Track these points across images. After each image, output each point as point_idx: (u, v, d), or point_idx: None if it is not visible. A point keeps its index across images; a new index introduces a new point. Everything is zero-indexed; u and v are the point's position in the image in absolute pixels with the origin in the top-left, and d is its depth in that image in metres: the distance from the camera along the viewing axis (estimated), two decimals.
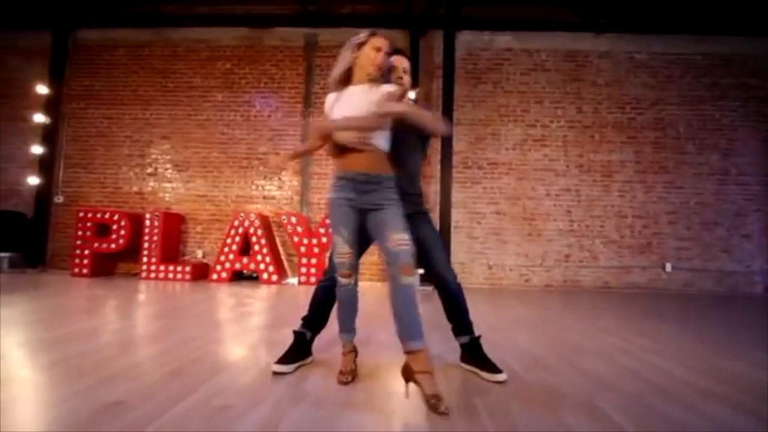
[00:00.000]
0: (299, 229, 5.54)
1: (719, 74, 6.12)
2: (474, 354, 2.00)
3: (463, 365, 2.04)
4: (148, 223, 5.60)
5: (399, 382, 1.73)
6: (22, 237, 5.90)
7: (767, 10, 5.76)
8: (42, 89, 6.18)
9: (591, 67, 6.21)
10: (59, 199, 6.22)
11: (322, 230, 5.51)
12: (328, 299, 2.06)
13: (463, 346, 2.05)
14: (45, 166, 6.16)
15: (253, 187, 6.20)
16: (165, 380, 1.77)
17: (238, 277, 5.67)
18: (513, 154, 6.12)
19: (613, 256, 5.88)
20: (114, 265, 5.96)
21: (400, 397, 1.66)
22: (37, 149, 6.15)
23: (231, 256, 5.49)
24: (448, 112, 5.81)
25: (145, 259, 5.54)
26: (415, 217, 2.01)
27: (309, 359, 2.05)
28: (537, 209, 6.02)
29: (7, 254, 5.75)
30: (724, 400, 1.71)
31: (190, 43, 6.38)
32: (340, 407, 1.57)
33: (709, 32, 6.08)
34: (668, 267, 5.82)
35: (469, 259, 5.96)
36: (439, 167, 5.79)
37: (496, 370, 1.90)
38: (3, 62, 6.51)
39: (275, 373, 1.87)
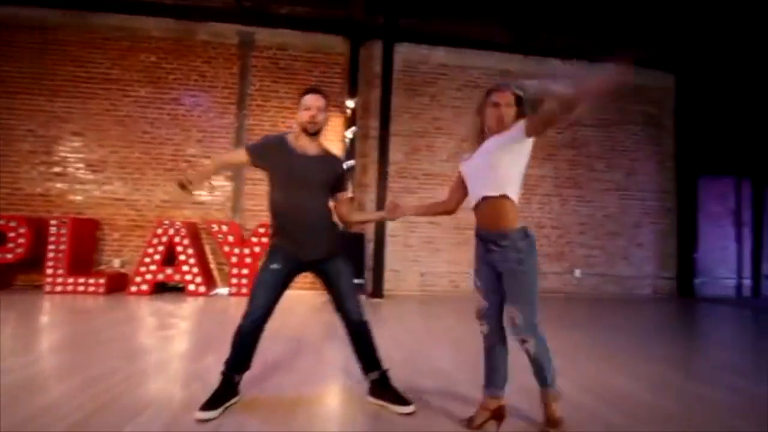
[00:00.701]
0: (230, 238, 5.34)
1: (626, 101, 6.88)
2: (384, 387, 2.07)
3: (371, 399, 2.07)
4: (53, 230, 5.05)
5: (309, 423, 1.77)
6: None
7: (664, 47, 6.60)
8: None
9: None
10: None
11: (254, 239, 5.35)
12: (252, 341, 2.03)
13: (372, 381, 2.09)
14: None
15: (180, 191, 5.81)
16: (94, 416, 1.65)
17: (160, 288, 5.32)
18: (446, 165, 6.39)
19: None
20: (12, 276, 5.30)
21: None
22: None
23: (153, 267, 5.13)
24: (385, 122, 5.91)
25: (50, 271, 4.99)
26: (329, 259, 2.08)
27: (235, 399, 2.00)
28: (466, 219, 6.33)
29: None
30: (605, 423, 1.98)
31: (108, 31, 5.80)
32: None
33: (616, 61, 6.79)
34: (577, 272, 6.49)
35: (403, 267, 6.15)
36: (375, 176, 5.89)
37: (404, 402, 2.01)
38: None
39: (200, 421, 1.81)
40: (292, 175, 2.01)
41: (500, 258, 1.78)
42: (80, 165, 5.68)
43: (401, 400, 2.02)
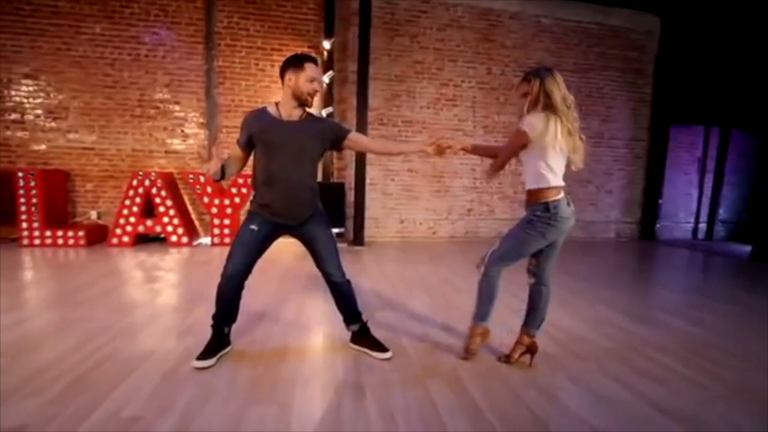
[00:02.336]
0: (209, 189, 5.29)
1: (607, 45, 6.76)
2: (364, 336, 2.32)
3: (353, 346, 2.33)
4: (22, 182, 4.87)
5: (295, 369, 2.00)
6: None
7: None
8: None
9: (502, 27, 6.41)
10: None
11: (234, 189, 5.33)
12: (233, 297, 2.16)
13: (353, 332, 2.33)
14: None
15: (152, 140, 5.62)
16: (68, 393, 1.78)
17: (143, 239, 5.35)
18: (426, 112, 6.31)
19: (507, 209, 6.68)
20: None
21: (300, 388, 1.92)
22: None
23: (132, 219, 5.11)
24: (363, 64, 5.66)
25: (24, 225, 4.91)
26: (312, 218, 2.15)
27: (228, 348, 2.21)
28: (446, 167, 6.45)
29: None
30: (552, 361, 2.27)
31: None
32: (248, 401, 1.79)
33: (604, 2, 6.56)
34: None
35: (383, 215, 6.31)
36: (354, 123, 5.78)
37: (383, 348, 2.26)
38: None
39: (197, 369, 2.01)
40: (277, 144, 2.01)
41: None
42: (39, 111, 5.33)
43: (379, 347, 2.26)
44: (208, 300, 2.27)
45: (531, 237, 2.10)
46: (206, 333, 2.20)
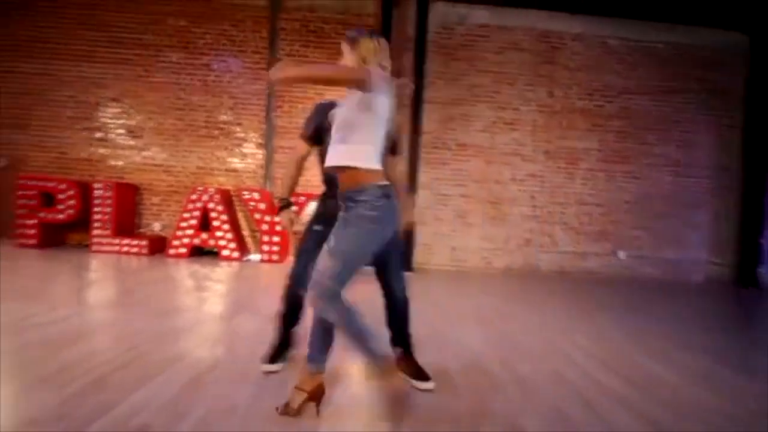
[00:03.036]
0: (261, 206, 5.38)
1: (682, 65, 6.18)
2: (408, 361, 2.04)
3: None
4: (98, 193, 5.27)
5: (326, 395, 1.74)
6: None
7: (737, 3, 5.78)
8: None
9: (565, 49, 6.11)
10: (2, 162, 5.71)
11: None
12: (298, 298, 2.02)
13: (398, 354, 2.06)
14: None
15: (214, 158, 5.91)
16: (87, 391, 1.69)
17: (198, 251, 5.51)
18: (482, 136, 6.07)
19: (571, 242, 6.09)
20: (64, 235, 5.63)
21: (327, 417, 1.65)
22: None
23: (189, 231, 5.30)
24: (418, 89, 5.63)
25: (96, 231, 5.27)
26: None
27: (294, 351, 2.12)
28: (502, 193, 6.08)
29: None
30: (638, 412, 1.81)
31: None
32: (267, 423, 1.56)
33: (676, 21, 6.05)
34: (621, 254, 6.10)
35: (433, 241, 6.02)
36: (407, 146, 5.69)
37: (425, 378, 1.97)
38: None
39: (266, 373, 1.95)
40: None
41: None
42: (120, 131, 5.84)
43: (422, 376, 1.98)
44: (251, 312, 2.16)
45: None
46: (240, 344, 2.06)
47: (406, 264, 5.47)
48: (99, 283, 3.87)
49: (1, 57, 5.72)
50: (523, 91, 6.10)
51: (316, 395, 1.63)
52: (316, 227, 2.00)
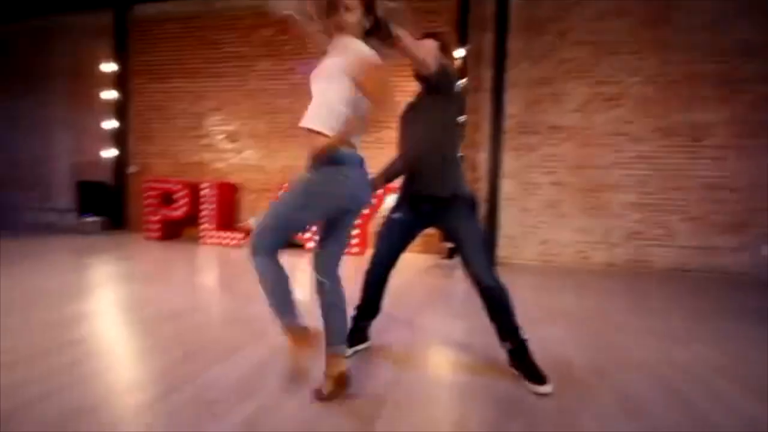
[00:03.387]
0: None
1: None
2: (520, 359, 1.85)
3: (511, 369, 1.90)
4: (204, 192, 5.96)
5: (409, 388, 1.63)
6: (105, 203, 6.64)
7: None
8: (109, 66, 6.65)
9: (681, 6, 5.10)
10: (132, 169, 6.84)
11: None
12: (374, 287, 2.08)
13: (507, 351, 1.90)
14: (118, 139, 6.76)
15: (299, 156, 6.23)
16: (174, 364, 1.87)
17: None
18: (577, 116, 5.39)
19: (695, 234, 5.07)
20: (180, 229, 6.50)
21: (388, 406, 1.55)
22: (110, 124, 6.73)
23: None
24: (500, 69, 5.23)
25: (203, 226, 5.97)
26: (449, 203, 1.90)
27: (365, 344, 2.12)
28: (603, 179, 5.32)
29: (97, 219, 6.54)
30: None
31: (235, 12, 6.36)
32: (325, 409, 1.53)
33: None
34: (765, 250, 4.88)
35: (520, 234, 5.54)
36: (488, 133, 5.32)
37: (540, 380, 1.75)
38: (77, 42, 7.07)
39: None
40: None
41: None
42: (221, 136, 6.53)
43: (536, 377, 1.76)
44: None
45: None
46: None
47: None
48: (201, 271, 4.36)
49: (135, 80, 6.82)
50: (627, 60, 5.26)
51: (340, 381, 1.57)
52: (395, 215, 2.01)
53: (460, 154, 2.06)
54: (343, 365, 1.61)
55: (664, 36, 5.15)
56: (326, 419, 1.44)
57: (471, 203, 1.91)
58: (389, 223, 2.04)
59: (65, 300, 2.80)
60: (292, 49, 6.18)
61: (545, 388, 1.73)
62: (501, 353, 2.05)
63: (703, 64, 5.07)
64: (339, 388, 1.58)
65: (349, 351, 2.03)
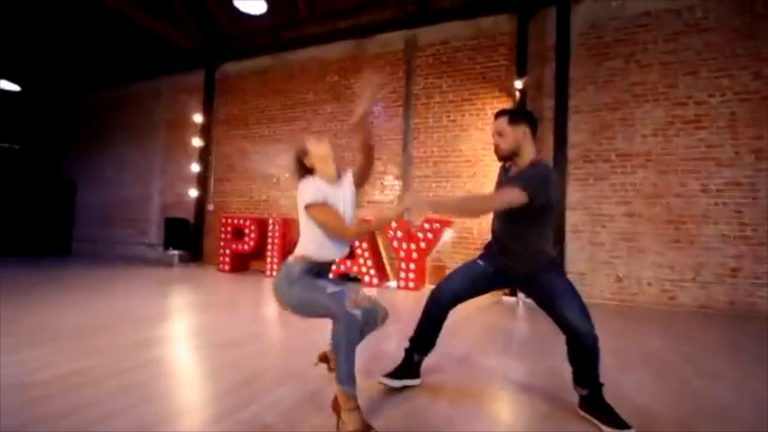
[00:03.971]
0: (399, 233, 5.55)
1: None
2: (595, 404, 1.74)
3: (582, 413, 1.77)
4: (271, 227, 6.36)
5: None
6: (187, 238, 7.36)
7: None
8: (198, 118, 7.59)
9: None
10: (210, 207, 7.56)
11: (420, 235, 5.41)
12: (433, 318, 2.03)
13: (580, 396, 1.79)
14: (201, 181, 7.56)
15: (361, 192, 6.44)
16: (232, 390, 1.95)
17: (344, 278, 5.98)
18: (653, 141, 4.97)
19: None
20: (248, 262, 6.94)
21: None
22: (195, 167, 7.58)
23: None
24: (562, 98, 5.06)
25: (269, 259, 6.31)
26: (538, 276, 1.84)
27: (416, 381, 2.06)
28: (688, 209, 4.77)
29: (177, 252, 7.25)
30: None
31: (302, 62, 7.00)
32: None
33: None
34: None
35: (590, 269, 5.09)
36: (551, 162, 5.09)
37: (622, 425, 1.62)
38: (175, 99, 8.21)
39: (381, 384, 1.98)
40: None
41: None
42: (287, 176, 7.01)
43: (616, 421, 1.64)
44: (378, 338, 2.20)
45: None
46: (360, 363, 2.11)
47: None
48: (263, 301, 4.56)
49: (220, 128, 7.68)
50: (710, 79, 4.81)
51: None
52: (480, 262, 2.00)
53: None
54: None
55: (754, 49, 4.66)
56: None
57: (555, 264, 1.86)
58: (471, 265, 2.01)
59: (145, 325, 3.08)
60: (354, 93, 6.58)
61: None
62: (566, 398, 1.86)
63: None
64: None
65: (399, 383, 2.00)
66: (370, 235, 5.87)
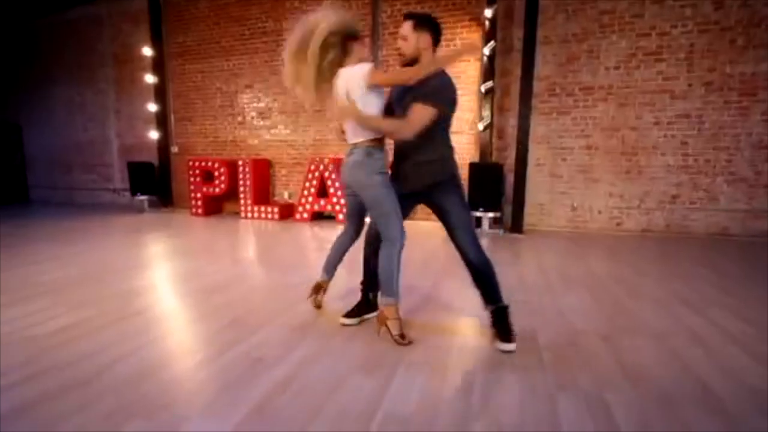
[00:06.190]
0: None
1: None
2: (498, 321, 2.02)
3: (491, 329, 2.07)
4: (241, 169, 6.30)
5: (410, 348, 1.84)
6: (153, 182, 7.18)
7: None
8: (147, 51, 6.96)
9: None
10: (175, 149, 7.29)
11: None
12: (369, 256, 2.25)
13: (489, 312, 2.07)
14: (161, 121, 7.18)
15: (327, 130, 6.38)
16: (222, 330, 2.18)
17: (319, 216, 6.17)
18: (615, 74, 5.08)
19: (741, 197, 4.78)
20: (221, 205, 6.95)
21: (405, 367, 1.75)
22: (152, 107, 7.14)
23: (310, 199, 5.95)
24: (531, 28, 4.97)
25: (242, 202, 6.35)
26: (438, 187, 1.99)
27: (373, 314, 2.30)
28: (640, 141, 5.07)
29: (146, 197, 7.12)
30: None
31: None
32: (352, 367, 1.76)
33: None
34: None
35: (549, 200, 5.46)
36: (518, 97, 5.16)
37: (507, 339, 1.93)
38: (120, 29, 7.41)
39: (343, 325, 2.22)
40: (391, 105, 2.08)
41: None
42: (253, 114, 6.77)
43: (504, 336, 1.95)
44: (351, 270, 2.50)
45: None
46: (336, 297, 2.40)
47: (516, 226, 5.14)
48: (241, 244, 4.72)
49: (174, 62, 7.10)
50: (675, 8, 4.82)
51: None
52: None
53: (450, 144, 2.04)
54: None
55: None
56: (348, 380, 1.66)
57: (455, 182, 2.01)
58: None
59: (130, 274, 3.21)
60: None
61: (509, 346, 1.90)
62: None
63: (765, 5, 4.56)
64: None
65: (358, 320, 2.25)
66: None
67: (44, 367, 1.76)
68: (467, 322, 2.29)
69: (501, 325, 1.98)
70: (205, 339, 2.08)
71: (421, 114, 1.85)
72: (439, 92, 1.88)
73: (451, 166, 2.02)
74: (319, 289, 2.41)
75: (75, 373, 1.71)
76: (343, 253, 2.38)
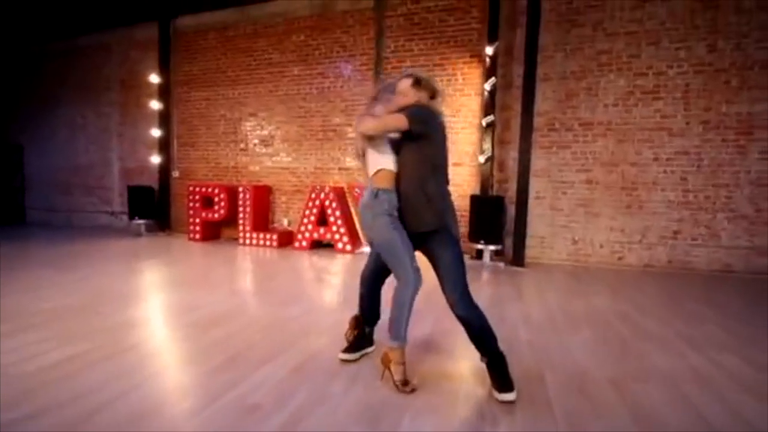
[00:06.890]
0: None
1: None
2: (494, 370, 1.92)
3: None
4: (241, 195, 6.29)
5: (414, 396, 1.75)
6: (152, 207, 7.15)
7: None
8: (154, 78, 7.09)
9: None
10: (176, 174, 7.30)
11: None
12: (368, 295, 2.25)
13: (486, 365, 1.97)
14: (163, 146, 7.22)
15: (329, 158, 6.42)
16: (217, 370, 2.08)
17: (318, 244, 6.11)
18: (614, 111, 5.18)
19: (742, 234, 4.78)
20: (219, 230, 6.90)
21: (410, 419, 1.66)
22: (155, 132, 7.20)
23: (309, 227, 5.91)
24: (531, 65, 5.10)
25: (241, 228, 6.30)
26: (431, 236, 1.96)
27: (370, 348, 2.28)
28: (640, 177, 5.11)
29: (144, 221, 7.07)
30: None
31: (268, 19, 6.57)
32: (353, 416, 1.67)
33: None
34: None
35: (550, 234, 5.45)
36: (518, 131, 5.23)
37: (505, 389, 1.83)
38: (128, 56, 7.58)
39: (342, 361, 2.16)
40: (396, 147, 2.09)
41: None
42: (256, 141, 6.82)
43: (503, 387, 1.84)
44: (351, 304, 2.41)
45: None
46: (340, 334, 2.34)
47: (517, 259, 5.09)
48: (239, 273, 4.64)
49: (180, 90, 7.23)
50: (670, 49, 4.98)
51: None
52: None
53: (448, 189, 2.04)
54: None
55: (712, 21, 4.83)
56: (354, 425, 1.58)
57: (450, 232, 1.95)
58: None
59: (126, 304, 3.12)
60: (322, 54, 6.33)
61: (509, 396, 1.80)
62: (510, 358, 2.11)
63: (758, 49, 4.72)
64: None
65: (358, 355, 2.21)
66: (342, 202, 5.94)
67: (38, 408, 1.67)
68: (472, 366, 2.20)
69: (498, 375, 1.88)
70: (200, 380, 1.98)
71: (396, 117, 1.92)
72: (413, 113, 1.93)
73: (442, 214, 1.94)
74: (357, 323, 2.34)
75: (70, 413, 1.62)
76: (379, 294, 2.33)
